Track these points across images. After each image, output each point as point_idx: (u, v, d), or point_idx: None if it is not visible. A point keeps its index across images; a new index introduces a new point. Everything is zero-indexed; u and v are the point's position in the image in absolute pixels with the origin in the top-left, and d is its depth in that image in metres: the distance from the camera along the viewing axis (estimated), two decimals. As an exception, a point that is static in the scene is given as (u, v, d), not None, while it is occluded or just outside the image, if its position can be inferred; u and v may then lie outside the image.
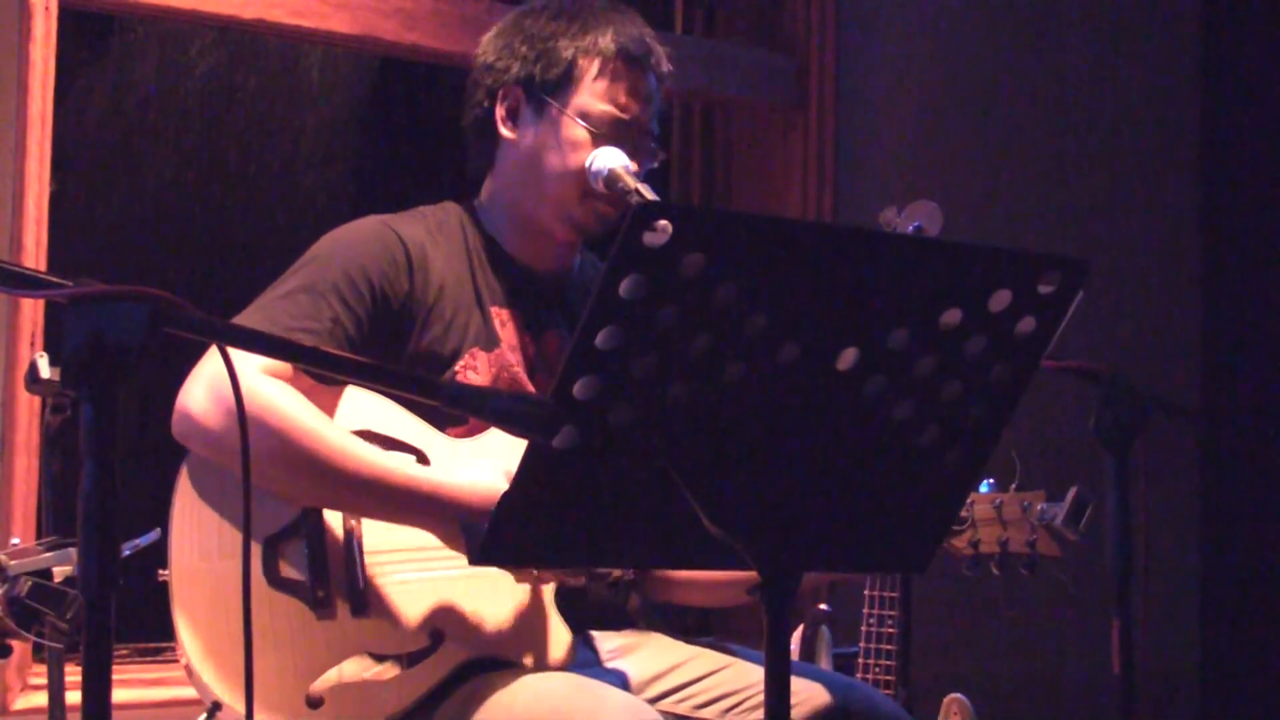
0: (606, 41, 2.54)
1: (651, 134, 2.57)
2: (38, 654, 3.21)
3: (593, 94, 2.52)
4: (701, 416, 1.68)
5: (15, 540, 2.35)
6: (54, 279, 1.57)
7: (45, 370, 2.48)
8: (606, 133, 2.50)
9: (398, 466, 2.29)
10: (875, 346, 1.72)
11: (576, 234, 2.57)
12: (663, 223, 1.57)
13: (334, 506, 2.31)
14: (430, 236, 2.52)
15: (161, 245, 4.27)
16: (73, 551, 2.27)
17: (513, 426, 1.65)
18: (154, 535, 2.30)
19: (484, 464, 2.33)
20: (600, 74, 2.53)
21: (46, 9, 3.30)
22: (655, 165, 2.59)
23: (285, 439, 2.24)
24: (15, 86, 3.27)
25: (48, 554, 2.24)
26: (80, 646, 2.26)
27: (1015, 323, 1.76)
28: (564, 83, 2.53)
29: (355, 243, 2.46)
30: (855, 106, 4.37)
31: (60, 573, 2.25)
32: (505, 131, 2.57)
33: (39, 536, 3.06)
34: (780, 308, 1.66)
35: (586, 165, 2.48)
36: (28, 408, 3.22)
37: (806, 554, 1.79)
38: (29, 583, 2.20)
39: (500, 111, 2.57)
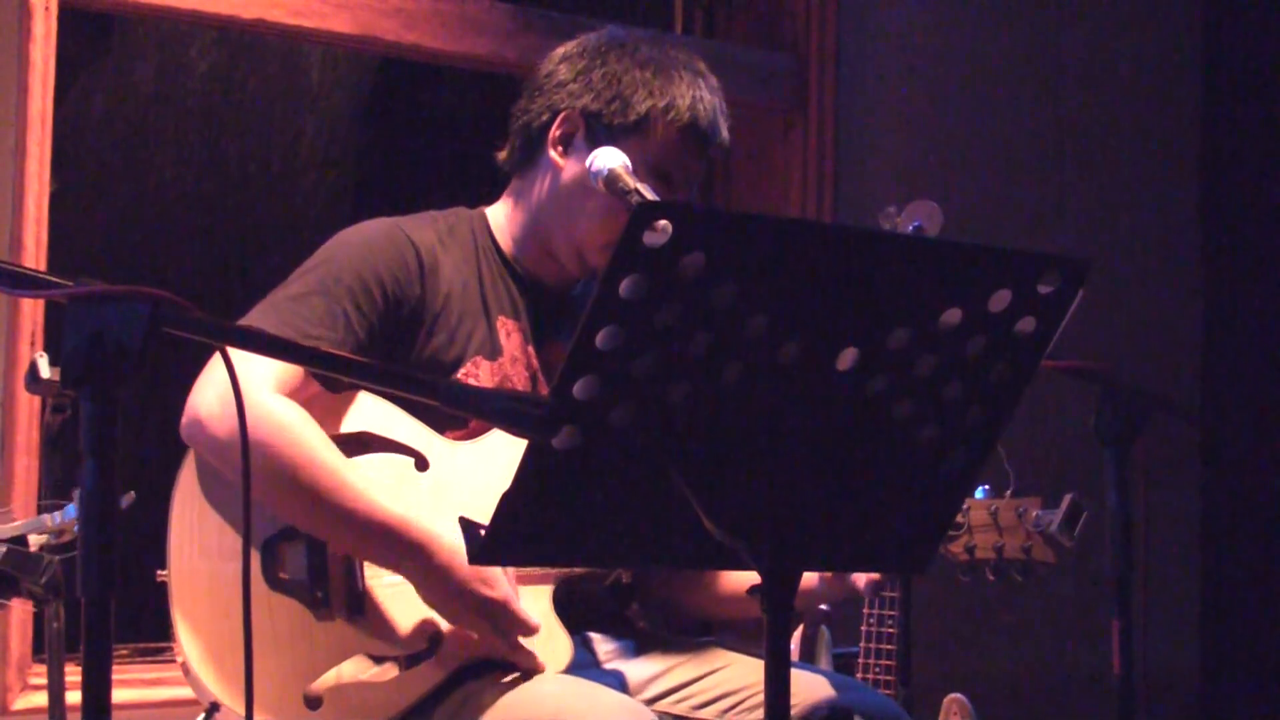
0: (683, 108, 2.50)
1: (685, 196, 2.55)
2: (38, 654, 3.21)
3: (654, 152, 2.49)
4: (701, 416, 1.68)
5: None
6: (54, 279, 1.57)
7: (45, 370, 2.48)
8: (647, 186, 2.44)
9: (393, 511, 2.27)
10: (875, 346, 1.72)
11: (585, 273, 2.56)
12: (662, 223, 1.57)
13: (323, 537, 2.30)
14: (441, 242, 2.50)
15: (161, 245, 4.28)
16: (46, 519, 2.30)
17: (512, 426, 1.65)
18: (129, 499, 2.30)
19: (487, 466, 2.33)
20: (666, 138, 2.50)
21: (46, 9, 3.30)
22: None
23: (290, 466, 2.24)
24: (15, 86, 3.27)
25: (19, 522, 2.27)
26: (50, 607, 2.29)
27: (1015, 323, 1.76)
28: (629, 133, 2.49)
29: (368, 245, 2.44)
30: (855, 106, 4.37)
31: (35, 541, 2.27)
32: (554, 154, 2.53)
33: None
34: (780, 307, 1.66)
35: (587, 165, 2.46)
36: (28, 408, 3.22)
37: (806, 554, 1.79)
38: (3, 549, 2.22)
39: (555, 132, 2.52)
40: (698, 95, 2.52)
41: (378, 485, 2.29)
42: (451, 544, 2.27)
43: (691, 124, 2.51)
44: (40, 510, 2.41)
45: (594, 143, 2.49)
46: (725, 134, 2.57)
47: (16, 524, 2.27)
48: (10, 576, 2.23)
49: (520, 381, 2.50)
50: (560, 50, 2.59)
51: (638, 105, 2.49)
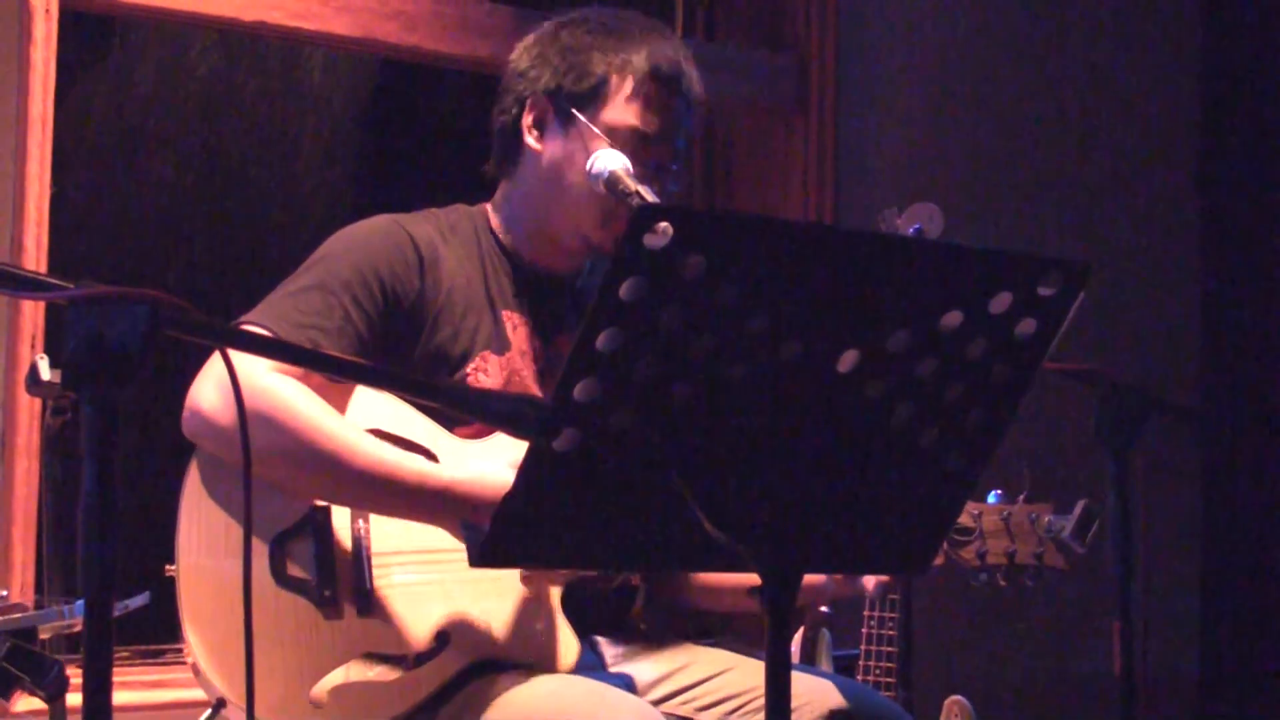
0: (640, 60, 2.50)
1: (675, 155, 2.54)
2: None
3: (621, 112, 2.49)
4: (702, 419, 1.68)
5: (3, 593, 2.33)
6: (55, 281, 1.57)
7: (46, 372, 2.49)
8: (631, 151, 2.46)
9: (409, 463, 2.29)
10: (876, 348, 1.72)
11: (592, 254, 2.57)
12: (663, 225, 1.57)
13: (345, 503, 2.31)
14: (442, 237, 2.51)
15: (162, 247, 4.28)
16: (59, 610, 2.25)
17: (513, 428, 1.65)
18: (144, 598, 2.29)
19: (493, 459, 2.33)
20: (630, 93, 2.50)
21: (47, 11, 3.30)
22: (677, 189, 2.55)
23: (298, 436, 2.25)
24: (16, 88, 3.27)
25: (33, 613, 2.22)
26: (55, 705, 2.23)
27: (1016, 325, 1.76)
28: (593, 97, 2.50)
29: (367, 241, 2.45)
30: (856, 108, 4.37)
31: (48, 629, 2.22)
32: (531, 141, 2.54)
33: (39, 538, 3.06)
34: (781, 309, 1.66)
35: (587, 168, 2.46)
36: (28, 410, 3.22)
37: (807, 556, 1.79)
38: (9, 644, 2.17)
39: (527, 120, 2.54)
40: (654, 47, 2.52)
41: (388, 447, 2.30)
42: (469, 481, 2.27)
43: (652, 72, 2.51)
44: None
45: (563, 120, 2.51)
46: (695, 83, 2.56)
47: (25, 615, 2.22)
48: (12, 675, 2.18)
49: (529, 375, 2.50)
50: (519, 44, 2.62)
51: (594, 68, 2.51)
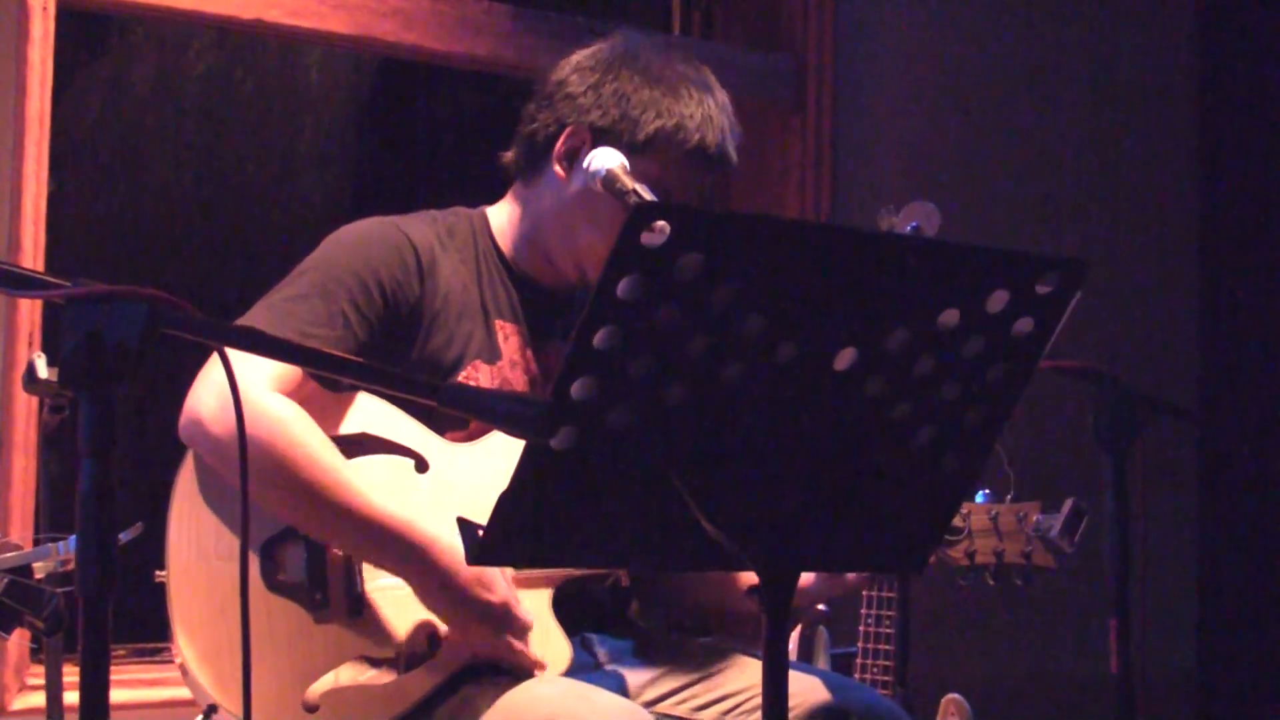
0: (691, 129, 2.48)
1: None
2: (35, 654, 3.21)
3: (659, 170, 2.47)
4: (699, 417, 1.68)
5: None
6: (51, 279, 1.57)
7: (43, 370, 2.48)
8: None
9: (393, 512, 2.28)
10: (873, 347, 1.72)
11: (583, 284, 2.56)
12: (661, 223, 1.57)
13: (322, 538, 2.30)
14: (440, 241, 2.50)
15: (159, 246, 4.28)
16: (53, 547, 2.28)
17: (510, 427, 1.65)
18: (136, 529, 2.29)
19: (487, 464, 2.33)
20: (673, 159, 2.48)
21: (44, 9, 3.30)
22: None
23: (289, 465, 2.24)
24: (13, 87, 3.27)
25: (22, 551, 2.25)
26: (53, 638, 2.27)
27: (1013, 323, 1.76)
28: (636, 152, 2.46)
29: (366, 245, 2.43)
30: (853, 107, 4.37)
31: (41, 568, 2.25)
32: (558, 168, 2.51)
33: (36, 538, 3.06)
34: (778, 308, 1.66)
35: (585, 165, 2.45)
36: (26, 408, 3.22)
37: (804, 555, 1.79)
38: (5, 580, 2.20)
39: (561, 147, 2.51)
40: (706, 115, 2.50)
41: (378, 487, 2.29)
42: (451, 547, 2.27)
43: (699, 148, 2.49)
44: (39, 534, 2.39)
45: None
46: (734, 155, 2.55)
47: (20, 554, 2.25)
48: (12, 609, 2.21)
49: (519, 385, 2.49)
50: (574, 58, 2.57)
51: (646, 125, 2.48)
